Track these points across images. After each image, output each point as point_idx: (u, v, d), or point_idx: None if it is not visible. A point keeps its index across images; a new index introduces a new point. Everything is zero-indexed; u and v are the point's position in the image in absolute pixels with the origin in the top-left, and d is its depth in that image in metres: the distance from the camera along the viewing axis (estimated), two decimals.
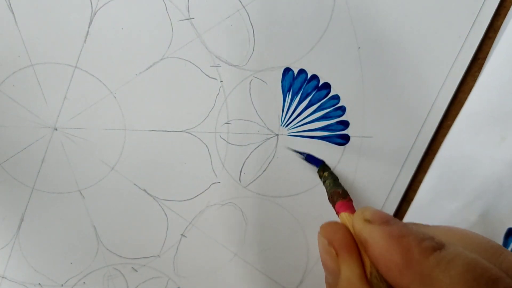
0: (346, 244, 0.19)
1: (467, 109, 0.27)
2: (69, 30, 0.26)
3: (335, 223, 0.21)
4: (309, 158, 0.29)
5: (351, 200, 0.24)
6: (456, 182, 0.29)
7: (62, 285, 0.32)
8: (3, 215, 0.30)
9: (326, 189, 0.26)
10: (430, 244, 0.17)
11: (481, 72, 0.27)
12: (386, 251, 0.17)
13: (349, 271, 0.19)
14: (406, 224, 0.19)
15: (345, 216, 0.22)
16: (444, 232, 0.20)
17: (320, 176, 0.28)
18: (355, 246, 0.19)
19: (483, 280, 0.15)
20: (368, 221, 0.19)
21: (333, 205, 0.24)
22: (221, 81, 0.28)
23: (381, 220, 0.19)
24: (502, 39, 0.26)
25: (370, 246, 0.18)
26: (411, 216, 0.30)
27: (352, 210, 0.22)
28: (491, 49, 0.27)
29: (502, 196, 0.28)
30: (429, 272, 0.16)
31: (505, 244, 0.29)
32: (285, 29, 0.26)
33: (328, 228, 0.20)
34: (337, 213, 0.23)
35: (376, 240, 0.18)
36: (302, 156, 0.29)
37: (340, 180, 0.29)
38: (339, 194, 0.24)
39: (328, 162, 0.29)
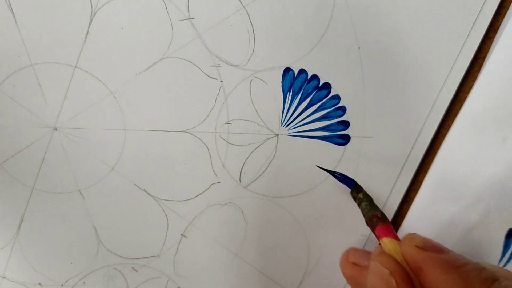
0: (406, 277, 0.19)
1: (468, 109, 0.27)
2: (69, 30, 0.26)
3: (391, 257, 0.20)
4: (342, 178, 0.28)
5: (391, 224, 0.23)
6: (457, 183, 0.29)
7: (62, 285, 0.32)
8: (3, 215, 0.30)
9: (363, 211, 0.25)
10: (489, 274, 0.17)
11: (480, 71, 0.27)
12: (445, 280, 0.17)
13: None
14: (461, 255, 0.19)
15: (389, 243, 0.21)
16: (491, 268, 0.20)
17: (354, 198, 0.27)
18: (411, 281, 0.19)
19: None
20: (421, 248, 0.19)
21: (372, 229, 0.23)
22: (221, 81, 0.28)
23: (435, 248, 0.19)
24: (502, 38, 0.26)
25: (426, 274, 0.18)
26: (412, 216, 0.30)
27: (393, 235, 0.22)
28: (491, 49, 0.27)
29: (504, 197, 0.28)
30: None
31: (506, 244, 0.29)
32: (286, 29, 0.26)
33: (387, 259, 0.20)
34: (378, 237, 0.23)
35: (432, 269, 0.18)
36: (335, 175, 0.28)
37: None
38: (378, 218, 0.24)
39: (328, 162, 0.29)
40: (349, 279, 0.28)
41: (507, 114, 0.27)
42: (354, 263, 0.27)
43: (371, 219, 0.24)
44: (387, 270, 0.19)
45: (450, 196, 0.29)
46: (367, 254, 0.28)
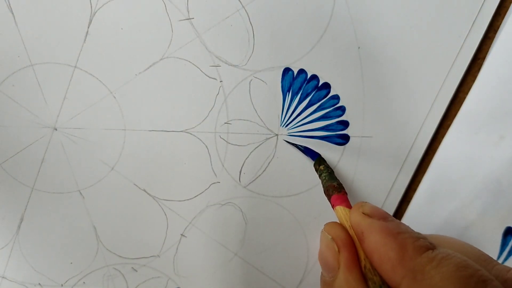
0: (348, 242, 0.20)
1: (466, 108, 0.27)
2: (68, 30, 0.26)
3: (338, 224, 0.22)
4: (306, 151, 0.29)
5: (346, 194, 0.24)
6: (455, 181, 0.29)
7: (62, 285, 0.32)
8: (3, 215, 0.30)
9: (322, 182, 0.26)
10: (424, 243, 0.18)
11: (479, 71, 0.27)
12: (382, 245, 0.18)
13: (347, 269, 0.19)
14: (403, 223, 0.19)
15: (340, 210, 0.22)
16: (437, 238, 0.21)
17: (316, 170, 0.28)
18: (354, 245, 0.20)
19: (473, 279, 0.16)
20: (367, 215, 0.20)
21: (329, 199, 0.24)
22: (221, 81, 0.28)
23: (380, 215, 0.20)
24: (500, 38, 0.26)
25: (366, 239, 0.19)
26: (410, 215, 0.30)
27: (347, 203, 0.23)
28: (490, 49, 0.27)
29: (500, 195, 0.29)
30: (421, 268, 0.17)
31: (504, 242, 0.29)
32: (285, 29, 0.26)
33: (332, 226, 0.21)
34: (333, 206, 0.23)
35: (373, 233, 0.19)
36: (300, 148, 0.29)
37: (340, 180, 0.29)
38: (334, 187, 0.24)
39: (328, 162, 0.29)
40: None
41: (503, 113, 0.27)
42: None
43: (328, 189, 0.25)
44: (330, 236, 0.20)
45: (448, 194, 0.29)
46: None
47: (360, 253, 0.19)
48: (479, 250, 0.19)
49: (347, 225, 0.21)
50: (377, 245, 0.18)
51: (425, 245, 0.18)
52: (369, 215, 0.20)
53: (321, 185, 0.26)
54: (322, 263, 0.21)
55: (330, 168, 0.27)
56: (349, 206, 0.23)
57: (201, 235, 0.31)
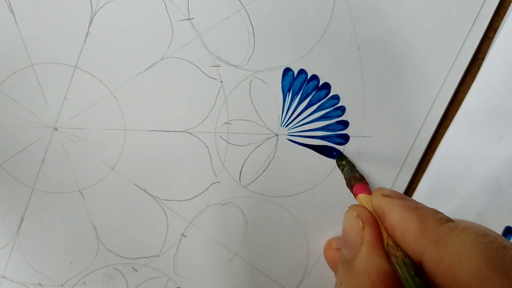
0: (371, 220, 0.21)
1: (466, 108, 0.27)
2: (69, 30, 0.26)
3: (362, 206, 0.23)
4: (326, 150, 0.29)
5: (367, 184, 0.25)
6: (454, 180, 0.29)
7: (62, 285, 0.32)
8: (3, 215, 0.30)
9: (344, 175, 0.27)
10: (443, 216, 0.19)
11: (479, 71, 0.27)
12: (403, 220, 0.19)
13: (370, 244, 0.20)
14: (422, 203, 0.20)
15: (362, 197, 0.23)
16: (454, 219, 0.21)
17: (339, 165, 0.28)
18: (377, 223, 0.21)
19: (494, 245, 0.16)
20: (386, 196, 0.21)
21: (351, 189, 0.25)
22: (221, 81, 0.28)
23: (398, 195, 0.21)
24: (499, 38, 0.26)
25: (387, 216, 0.20)
26: None
27: (368, 192, 0.24)
28: (489, 49, 0.27)
29: (500, 195, 0.29)
30: (443, 237, 0.17)
31: None
32: (285, 29, 0.26)
33: (357, 206, 0.22)
34: (355, 195, 0.24)
35: (393, 210, 0.20)
36: (317, 150, 0.29)
37: (338, 179, 0.29)
38: (357, 178, 0.25)
39: (327, 162, 0.29)
40: (331, 263, 0.30)
41: (503, 113, 0.27)
42: (337, 248, 0.30)
43: (350, 180, 0.25)
44: (355, 213, 0.21)
45: (447, 193, 0.29)
46: None
47: (382, 233, 0.20)
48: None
49: (369, 209, 0.22)
50: (398, 220, 0.19)
51: (444, 217, 0.18)
52: (388, 195, 0.21)
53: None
54: (344, 240, 0.21)
55: (352, 163, 0.28)
56: (370, 194, 0.23)
57: (201, 235, 0.31)
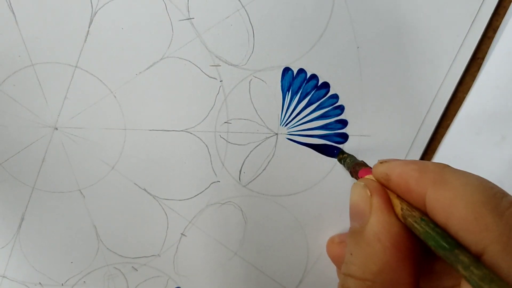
0: (380, 188, 0.21)
1: (467, 108, 0.27)
2: (69, 30, 0.26)
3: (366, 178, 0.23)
4: (325, 149, 0.29)
5: (371, 168, 0.25)
6: None
7: (62, 285, 0.32)
8: (3, 214, 0.30)
9: (347, 165, 0.27)
10: (443, 163, 0.19)
11: (479, 71, 0.27)
12: (404, 172, 0.19)
13: (379, 209, 0.20)
14: None
15: (370, 178, 0.23)
16: None
17: (340, 159, 0.29)
18: (386, 194, 0.20)
19: (493, 190, 0.17)
20: (385, 161, 0.21)
21: (356, 174, 0.25)
22: (221, 81, 0.28)
23: (397, 159, 0.21)
24: (502, 38, 0.26)
25: (391, 176, 0.20)
26: None
27: None
28: (490, 49, 0.27)
29: None
30: (443, 176, 0.18)
31: None
32: (285, 29, 0.27)
33: (364, 178, 0.22)
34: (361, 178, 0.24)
35: (396, 168, 0.20)
36: (316, 149, 0.29)
37: (337, 178, 0.29)
38: (361, 164, 0.26)
39: (326, 160, 0.29)
40: (334, 258, 0.30)
41: (505, 113, 0.27)
42: (339, 242, 0.30)
43: (354, 167, 0.26)
44: (362, 183, 0.21)
45: None
46: None
47: (393, 200, 0.20)
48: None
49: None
50: (401, 174, 0.19)
51: (444, 164, 0.19)
52: (386, 161, 0.21)
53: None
54: (352, 212, 0.21)
55: (353, 155, 0.28)
56: None
57: (201, 234, 0.31)
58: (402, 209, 0.19)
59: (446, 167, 0.18)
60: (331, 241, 0.31)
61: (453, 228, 0.17)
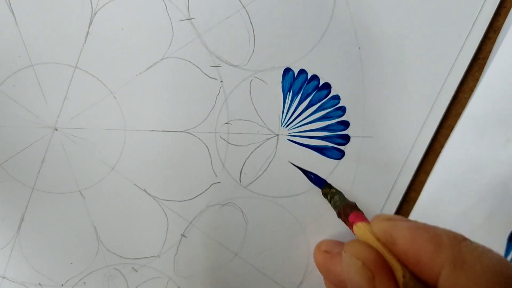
0: (381, 265, 0.18)
1: (471, 110, 0.27)
2: (69, 30, 0.26)
3: (361, 242, 0.20)
4: (314, 178, 0.29)
5: (363, 212, 0.24)
6: (460, 184, 0.29)
7: (62, 285, 0.32)
8: (3, 215, 0.30)
9: (335, 203, 0.26)
10: (458, 233, 0.17)
11: (483, 73, 0.27)
12: (415, 240, 0.17)
13: None
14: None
15: (363, 226, 0.21)
16: None
17: (326, 193, 0.28)
18: (387, 264, 0.18)
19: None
20: (390, 219, 0.19)
21: (346, 218, 0.23)
22: (221, 81, 0.28)
23: (402, 218, 0.19)
24: (506, 40, 0.26)
25: (397, 240, 0.18)
26: (414, 218, 0.30)
27: (366, 220, 0.22)
28: (493, 50, 0.27)
29: (507, 199, 0.28)
30: (461, 256, 0.16)
31: (509, 247, 0.29)
32: (286, 29, 0.26)
33: (358, 248, 0.20)
34: (352, 224, 0.23)
35: (403, 232, 0.18)
36: (308, 174, 0.29)
37: (339, 180, 0.29)
38: (352, 206, 0.24)
39: (328, 162, 0.29)
40: (319, 266, 0.29)
41: (510, 115, 0.27)
42: (326, 251, 0.28)
43: (344, 208, 0.24)
44: (359, 262, 0.19)
45: (454, 198, 0.29)
46: (338, 243, 0.29)
47: (394, 265, 0.18)
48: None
49: (371, 240, 0.20)
50: (410, 241, 0.17)
51: (460, 236, 0.17)
52: (391, 219, 0.19)
53: (333, 208, 0.26)
54: None
55: (340, 191, 0.27)
56: (368, 222, 0.22)
57: (202, 235, 0.31)
58: (404, 276, 0.18)
59: (462, 241, 0.17)
60: (318, 247, 0.30)
61: None
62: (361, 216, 0.23)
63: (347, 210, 0.24)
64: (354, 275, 0.19)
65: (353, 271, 0.19)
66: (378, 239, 0.19)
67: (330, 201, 0.27)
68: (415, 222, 0.18)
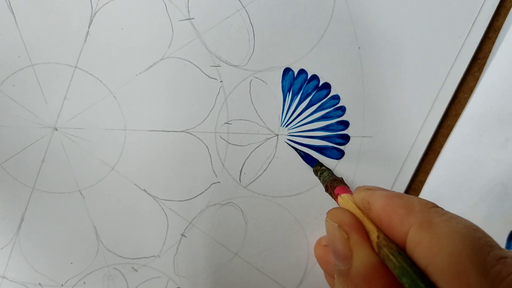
0: (354, 224, 0.20)
1: (471, 110, 0.27)
2: (69, 30, 0.26)
3: (340, 208, 0.22)
4: (306, 157, 0.29)
5: (348, 186, 0.25)
6: (459, 184, 0.29)
7: (62, 285, 0.32)
8: (3, 215, 0.30)
9: (324, 178, 0.27)
10: (431, 201, 0.18)
11: (482, 73, 0.27)
12: (389, 205, 0.18)
13: (361, 252, 0.19)
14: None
15: (346, 196, 0.23)
16: None
17: (317, 171, 0.28)
18: (362, 226, 0.20)
19: (480, 241, 0.16)
20: (369, 189, 0.20)
21: (332, 191, 0.25)
22: (221, 81, 0.28)
23: (380, 188, 0.20)
24: (505, 39, 0.26)
25: (373, 206, 0.19)
26: None
27: (350, 192, 0.23)
28: (493, 50, 0.27)
29: (505, 199, 0.28)
30: (429, 219, 0.17)
31: (508, 246, 0.29)
32: (285, 29, 0.26)
33: (335, 213, 0.21)
34: (337, 195, 0.24)
35: (379, 199, 0.19)
36: (299, 153, 0.29)
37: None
38: (339, 180, 0.25)
39: (328, 162, 0.29)
40: (319, 259, 0.30)
41: (509, 115, 0.27)
42: (326, 245, 0.29)
43: (332, 183, 0.25)
44: (336, 224, 0.20)
45: (453, 198, 0.29)
46: None
47: (369, 228, 0.19)
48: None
49: (351, 207, 0.21)
50: (384, 206, 0.19)
51: (431, 203, 0.18)
52: (370, 189, 0.20)
53: (322, 183, 0.27)
54: (334, 253, 0.20)
55: (330, 169, 0.28)
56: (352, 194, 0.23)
57: (202, 235, 0.31)
58: (378, 237, 0.19)
59: (433, 207, 0.18)
60: (318, 242, 0.30)
61: (432, 276, 0.16)
62: (345, 189, 0.24)
63: (334, 184, 0.25)
64: (331, 236, 0.20)
65: (331, 233, 0.20)
66: (357, 206, 0.21)
67: (319, 178, 0.28)
68: (391, 191, 0.20)
